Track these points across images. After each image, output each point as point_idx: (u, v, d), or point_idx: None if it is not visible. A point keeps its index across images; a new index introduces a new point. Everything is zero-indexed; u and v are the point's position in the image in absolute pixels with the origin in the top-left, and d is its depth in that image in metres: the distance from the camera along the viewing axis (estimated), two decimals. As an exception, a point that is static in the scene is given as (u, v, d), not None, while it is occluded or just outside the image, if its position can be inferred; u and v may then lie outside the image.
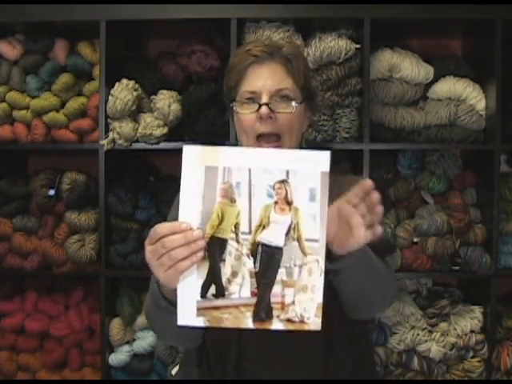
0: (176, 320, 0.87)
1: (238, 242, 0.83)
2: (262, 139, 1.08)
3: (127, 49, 2.06)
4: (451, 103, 1.89)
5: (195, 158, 0.82)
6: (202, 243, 0.81)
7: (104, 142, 1.86)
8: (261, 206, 0.82)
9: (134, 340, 1.98)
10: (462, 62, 1.97)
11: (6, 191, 2.00)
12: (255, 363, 1.04)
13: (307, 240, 0.82)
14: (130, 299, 1.96)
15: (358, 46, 1.81)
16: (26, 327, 2.01)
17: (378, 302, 1.07)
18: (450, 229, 1.89)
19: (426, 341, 1.89)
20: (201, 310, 0.84)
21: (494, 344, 1.89)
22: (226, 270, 0.84)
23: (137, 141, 1.89)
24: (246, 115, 1.09)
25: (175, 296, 0.85)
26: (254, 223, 0.82)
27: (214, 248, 0.83)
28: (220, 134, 1.85)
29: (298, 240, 0.82)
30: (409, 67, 1.87)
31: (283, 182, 0.81)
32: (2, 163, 2.09)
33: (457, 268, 1.90)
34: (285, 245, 0.83)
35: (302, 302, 0.83)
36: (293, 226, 0.82)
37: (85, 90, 1.96)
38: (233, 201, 0.82)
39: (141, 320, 1.96)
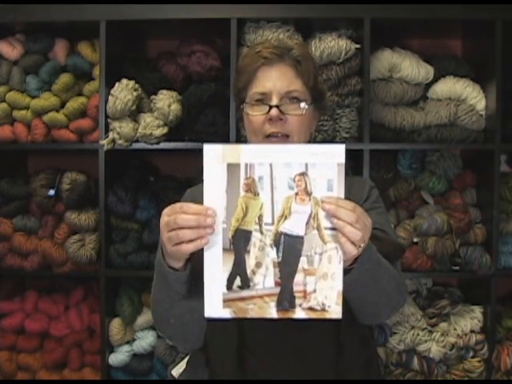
0: (177, 298, 0.94)
1: (261, 232, 0.87)
2: (270, 138, 1.10)
3: (127, 49, 2.06)
4: (451, 103, 1.89)
5: (216, 156, 0.86)
6: (210, 231, 0.85)
7: (104, 141, 1.86)
8: (282, 198, 0.86)
9: (134, 340, 1.98)
10: (462, 62, 1.97)
11: (6, 191, 2.00)
12: (261, 363, 1.04)
13: (326, 228, 0.86)
14: (129, 299, 1.96)
15: (357, 46, 1.81)
16: (26, 327, 2.01)
17: (386, 309, 1.07)
18: (450, 229, 1.89)
19: (426, 341, 1.89)
20: (227, 302, 0.88)
21: (494, 344, 1.89)
22: (250, 262, 0.88)
23: (137, 141, 1.89)
24: (256, 116, 1.11)
25: (179, 266, 0.92)
26: (277, 214, 0.87)
27: (239, 240, 0.87)
28: (220, 133, 1.85)
29: (318, 228, 0.86)
30: (409, 67, 1.87)
31: (303, 174, 0.85)
32: (2, 163, 2.09)
33: (457, 268, 1.90)
34: (305, 234, 0.86)
35: (323, 289, 0.86)
36: (313, 215, 0.86)
37: (85, 90, 1.96)
38: (256, 194, 0.86)
39: (141, 320, 1.96)
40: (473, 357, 1.89)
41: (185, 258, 0.91)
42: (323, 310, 0.86)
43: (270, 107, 1.08)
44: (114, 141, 1.87)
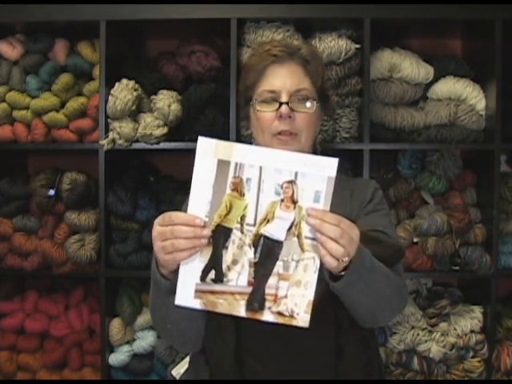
0: (172, 302, 0.92)
1: (242, 232, 0.88)
2: (279, 135, 1.10)
3: (127, 49, 2.06)
4: (451, 103, 1.89)
5: (209, 150, 0.87)
6: (204, 241, 0.86)
7: (104, 141, 1.86)
8: (268, 202, 0.87)
9: (134, 340, 1.98)
10: (462, 62, 1.97)
11: (6, 191, 2.00)
12: (260, 365, 1.03)
13: (307, 238, 0.86)
14: (129, 299, 1.96)
15: (357, 46, 1.81)
16: (26, 327, 2.01)
17: (386, 313, 1.06)
18: (450, 229, 1.89)
19: (426, 341, 1.89)
20: (198, 293, 0.89)
21: (494, 344, 1.89)
22: (227, 258, 0.89)
23: (137, 141, 1.89)
24: (265, 113, 1.11)
25: (170, 274, 0.92)
26: (260, 217, 0.88)
27: (219, 235, 0.88)
28: (220, 133, 1.85)
29: (298, 237, 0.86)
30: (409, 67, 1.87)
31: (291, 182, 0.86)
32: (2, 163, 2.09)
33: (457, 268, 1.90)
34: (285, 239, 0.87)
35: (295, 296, 0.87)
36: (295, 223, 0.86)
37: (85, 90, 1.96)
38: (242, 194, 0.87)
39: (141, 320, 1.96)
40: (473, 357, 1.89)
41: (174, 268, 0.91)
42: (291, 316, 0.87)
43: (280, 104, 1.09)
44: (114, 141, 1.87)
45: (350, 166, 1.95)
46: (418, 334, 1.89)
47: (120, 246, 1.93)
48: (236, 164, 0.86)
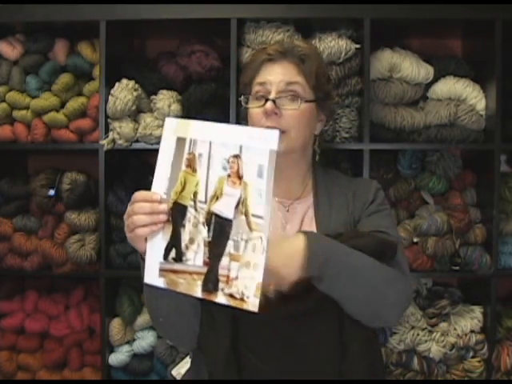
0: (155, 292, 0.95)
1: (195, 209, 0.89)
2: None
3: (127, 49, 2.06)
4: (451, 103, 1.89)
5: (171, 129, 0.90)
6: (163, 217, 0.89)
7: (104, 141, 1.86)
8: (216, 178, 0.88)
9: (134, 340, 1.98)
10: (462, 62, 1.96)
11: (6, 191, 2.00)
12: (260, 360, 1.03)
13: (254, 216, 0.85)
14: (129, 299, 1.96)
15: (357, 46, 1.81)
16: (26, 327, 2.01)
17: (385, 307, 1.04)
18: (450, 229, 1.89)
19: (426, 341, 1.89)
20: (162, 272, 0.91)
21: (494, 344, 1.89)
22: (185, 236, 0.90)
23: (137, 141, 1.89)
24: (253, 109, 1.13)
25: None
26: (210, 194, 0.88)
27: (177, 213, 0.90)
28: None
29: (246, 214, 0.86)
30: (409, 67, 1.87)
31: (236, 156, 0.86)
32: (2, 163, 2.09)
33: (457, 268, 1.90)
34: (234, 218, 0.87)
35: (245, 278, 0.86)
36: (242, 199, 0.86)
37: (85, 90, 1.96)
38: (194, 170, 0.89)
39: (141, 320, 1.96)
40: (473, 357, 1.89)
41: (143, 248, 0.94)
42: (242, 299, 0.86)
43: (266, 100, 1.09)
44: (114, 141, 1.87)
45: (349, 166, 1.95)
46: (418, 334, 1.89)
47: (120, 246, 1.93)
48: (190, 140, 0.88)
